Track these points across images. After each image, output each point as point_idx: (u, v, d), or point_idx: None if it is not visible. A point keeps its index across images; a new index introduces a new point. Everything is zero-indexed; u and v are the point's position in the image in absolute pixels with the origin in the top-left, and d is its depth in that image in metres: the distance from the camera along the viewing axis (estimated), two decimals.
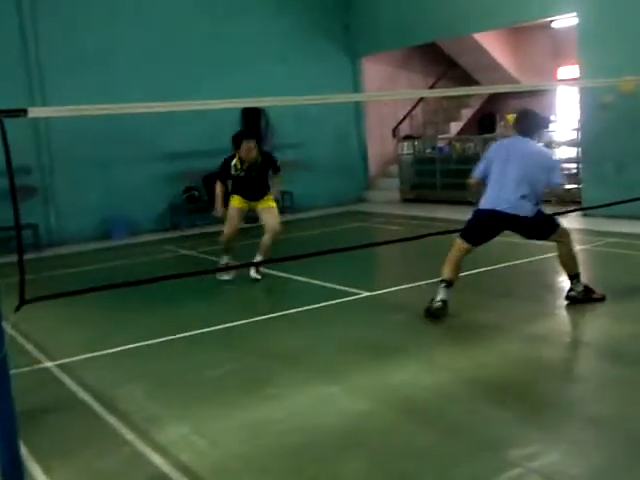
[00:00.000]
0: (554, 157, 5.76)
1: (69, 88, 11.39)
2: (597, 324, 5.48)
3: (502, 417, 3.82)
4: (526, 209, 5.55)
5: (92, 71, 11.90)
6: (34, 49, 11.73)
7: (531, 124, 5.82)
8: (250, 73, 13.37)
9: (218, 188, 7.83)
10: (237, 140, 7.66)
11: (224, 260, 7.97)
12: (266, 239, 7.64)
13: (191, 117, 12.04)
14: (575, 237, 9.29)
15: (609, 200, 8.12)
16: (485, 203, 5.66)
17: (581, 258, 7.96)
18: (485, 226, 5.70)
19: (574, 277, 5.81)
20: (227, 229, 7.80)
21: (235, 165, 7.66)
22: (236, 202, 7.77)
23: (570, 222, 10.10)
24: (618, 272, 7.14)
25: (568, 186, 12.27)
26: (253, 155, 7.58)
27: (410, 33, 13.76)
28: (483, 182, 5.82)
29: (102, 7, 12.19)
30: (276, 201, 7.89)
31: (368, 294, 6.77)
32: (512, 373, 4.46)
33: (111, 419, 4.11)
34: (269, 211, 7.77)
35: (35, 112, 4.21)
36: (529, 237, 5.90)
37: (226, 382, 4.64)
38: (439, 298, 5.63)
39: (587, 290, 5.83)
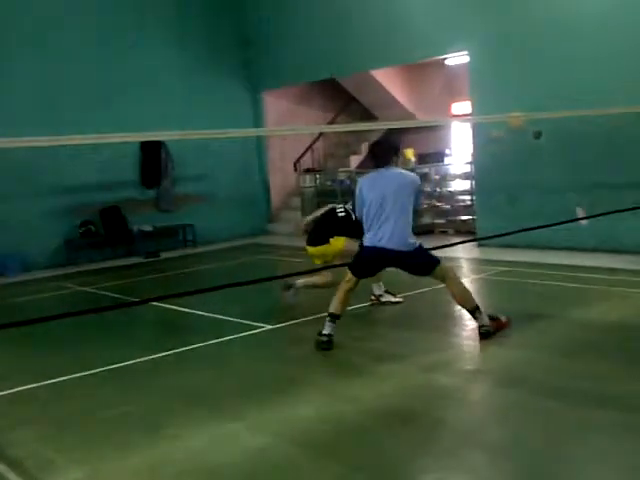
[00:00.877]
0: (416, 177, 5.95)
1: None
2: (493, 351, 5.63)
3: (403, 447, 3.86)
4: (407, 243, 5.65)
5: None
6: None
7: (387, 152, 5.94)
8: (150, 106, 13.29)
9: None
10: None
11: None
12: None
13: (86, 150, 11.77)
14: (470, 266, 9.68)
15: (502, 230, 8.46)
16: (369, 240, 5.78)
17: (476, 287, 8.25)
18: (370, 262, 5.87)
19: (474, 311, 5.82)
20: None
21: None
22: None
23: (466, 252, 10.47)
24: (510, 299, 7.39)
25: (464, 217, 12.75)
26: None
27: (309, 69, 14.05)
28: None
29: None
30: None
31: (270, 327, 6.75)
32: (411, 402, 4.53)
33: (0, 466, 3.90)
34: None
35: None
36: (413, 273, 5.96)
37: (125, 422, 4.49)
38: (325, 332, 5.74)
39: (492, 319, 5.87)
